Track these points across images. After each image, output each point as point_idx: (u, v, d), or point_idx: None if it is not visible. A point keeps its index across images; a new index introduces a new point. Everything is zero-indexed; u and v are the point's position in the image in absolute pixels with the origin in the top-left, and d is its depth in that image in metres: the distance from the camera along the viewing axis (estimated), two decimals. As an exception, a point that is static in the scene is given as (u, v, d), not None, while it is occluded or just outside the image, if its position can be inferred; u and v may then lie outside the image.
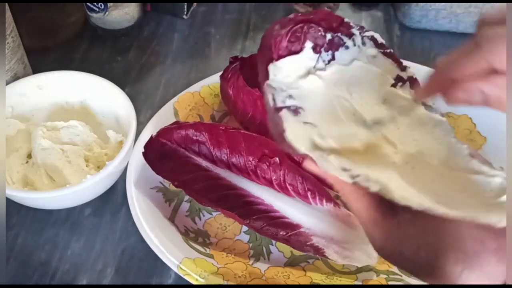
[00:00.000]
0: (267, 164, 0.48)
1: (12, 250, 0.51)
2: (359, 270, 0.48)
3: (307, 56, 0.35)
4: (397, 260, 0.34)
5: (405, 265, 0.33)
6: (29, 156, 0.55)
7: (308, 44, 0.35)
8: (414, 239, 0.32)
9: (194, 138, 0.50)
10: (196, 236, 0.50)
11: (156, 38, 0.71)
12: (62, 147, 0.52)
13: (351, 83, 0.35)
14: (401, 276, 0.48)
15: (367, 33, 0.35)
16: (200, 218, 0.52)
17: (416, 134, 0.33)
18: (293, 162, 0.49)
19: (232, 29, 0.72)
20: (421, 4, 0.68)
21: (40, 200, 0.49)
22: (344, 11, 0.74)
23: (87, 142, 0.54)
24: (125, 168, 0.52)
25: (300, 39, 0.34)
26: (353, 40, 0.35)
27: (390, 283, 0.47)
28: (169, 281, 0.49)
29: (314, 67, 0.35)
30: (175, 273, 0.48)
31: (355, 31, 0.34)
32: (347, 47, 0.35)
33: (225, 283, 0.46)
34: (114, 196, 0.55)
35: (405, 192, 0.31)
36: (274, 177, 0.48)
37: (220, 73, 0.56)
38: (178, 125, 0.50)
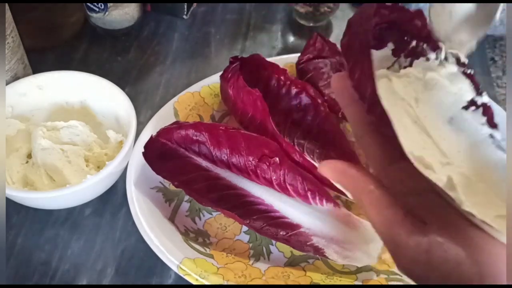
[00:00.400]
0: (267, 164, 0.48)
1: (12, 250, 0.51)
2: (359, 270, 0.48)
3: (384, 55, 0.33)
4: (423, 283, 0.30)
5: None
6: (29, 156, 0.55)
7: (390, 45, 0.33)
8: (444, 268, 0.28)
9: (194, 138, 0.50)
10: (196, 236, 0.50)
11: (156, 38, 0.71)
12: (62, 147, 0.52)
13: (420, 94, 0.33)
14: (401, 276, 0.48)
15: (452, 49, 0.33)
16: (200, 218, 0.52)
17: (476, 162, 0.31)
18: (293, 162, 0.49)
19: (232, 29, 0.72)
20: (421, 4, 0.68)
21: (40, 200, 0.49)
22: (344, 11, 0.74)
23: (87, 142, 0.54)
24: (125, 168, 0.52)
25: (383, 38, 0.33)
26: (437, 54, 0.33)
27: (390, 283, 0.47)
28: (169, 281, 0.49)
29: (388, 68, 0.33)
30: (175, 273, 0.48)
31: (442, 44, 0.33)
32: (428, 59, 0.33)
33: (225, 283, 0.46)
34: (114, 196, 0.55)
35: (470, 196, 0.28)
36: (274, 177, 0.48)
37: (220, 73, 0.56)
38: (178, 125, 0.50)
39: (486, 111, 0.32)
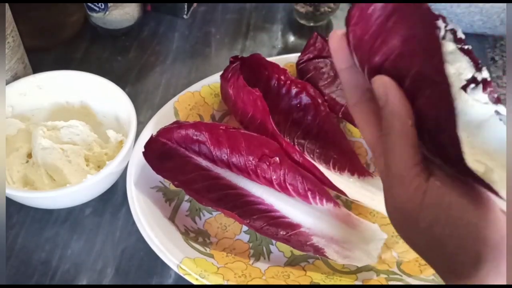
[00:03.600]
0: (267, 163, 0.48)
1: (12, 250, 0.51)
2: (359, 269, 0.48)
3: None
4: (407, 230, 0.31)
5: (414, 240, 0.31)
6: (30, 155, 0.55)
7: None
8: (434, 212, 0.29)
9: (194, 137, 0.50)
10: (196, 236, 0.50)
11: (157, 38, 0.71)
12: (62, 146, 0.52)
13: None
14: (401, 276, 0.48)
15: (449, 26, 0.29)
16: (200, 218, 0.52)
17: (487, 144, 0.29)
18: (293, 162, 0.49)
19: (232, 29, 0.72)
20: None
21: (40, 199, 0.49)
22: (344, 11, 0.74)
23: (87, 141, 0.54)
24: (125, 168, 0.52)
25: None
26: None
27: (390, 283, 0.47)
28: (169, 281, 0.49)
29: None
30: (175, 273, 0.48)
31: (440, 23, 0.29)
32: None
33: (225, 283, 0.46)
34: (114, 196, 0.55)
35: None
36: (274, 177, 0.48)
37: (221, 72, 0.56)
38: (178, 124, 0.50)
39: (486, 86, 0.30)
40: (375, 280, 0.48)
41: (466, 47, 0.30)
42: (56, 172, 0.51)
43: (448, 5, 0.68)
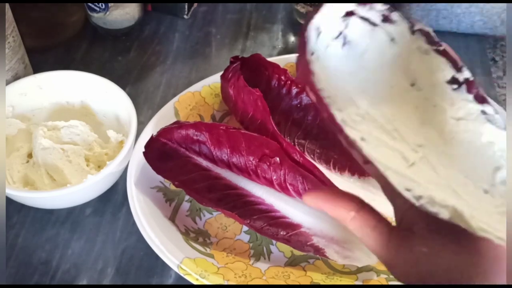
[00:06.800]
0: (268, 164, 0.48)
1: (12, 250, 0.51)
2: (360, 270, 0.48)
3: None
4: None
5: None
6: (30, 155, 0.55)
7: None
8: (436, 276, 0.28)
9: (195, 137, 0.50)
10: (196, 236, 0.50)
11: (157, 38, 0.71)
12: (62, 146, 0.52)
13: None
14: (401, 276, 0.48)
15: (417, 26, 0.29)
16: (200, 218, 0.52)
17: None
18: (293, 162, 0.49)
19: (233, 29, 0.72)
20: (422, 4, 0.68)
21: (40, 199, 0.49)
22: (345, 11, 0.74)
23: (88, 141, 0.54)
24: (126, 168, 0.52)
25: None
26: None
27: (391, 283, 0.47)
28: (170, 281, 0.49)
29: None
30: (176, 273, 0.48)
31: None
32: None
33: (226, 283, 0.46)
34: (115, 196, 0.55)
35: (483, 219, 0.25)
36: (274, 177, 0.48)
37: (221, 73, 0.56)
38: (178, 124, 0.50)
39: (470, 86, 0.29)
40: (376, 280, 0.47)
41: (441, 48, 0.29)
42: (57, 172, 0.52)
43: (448, 5, 0.68)
